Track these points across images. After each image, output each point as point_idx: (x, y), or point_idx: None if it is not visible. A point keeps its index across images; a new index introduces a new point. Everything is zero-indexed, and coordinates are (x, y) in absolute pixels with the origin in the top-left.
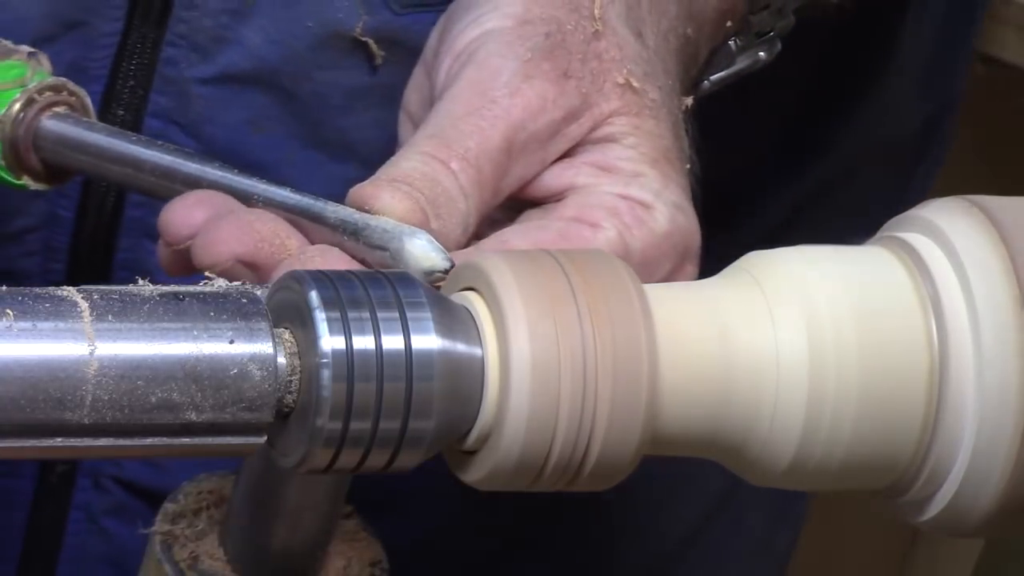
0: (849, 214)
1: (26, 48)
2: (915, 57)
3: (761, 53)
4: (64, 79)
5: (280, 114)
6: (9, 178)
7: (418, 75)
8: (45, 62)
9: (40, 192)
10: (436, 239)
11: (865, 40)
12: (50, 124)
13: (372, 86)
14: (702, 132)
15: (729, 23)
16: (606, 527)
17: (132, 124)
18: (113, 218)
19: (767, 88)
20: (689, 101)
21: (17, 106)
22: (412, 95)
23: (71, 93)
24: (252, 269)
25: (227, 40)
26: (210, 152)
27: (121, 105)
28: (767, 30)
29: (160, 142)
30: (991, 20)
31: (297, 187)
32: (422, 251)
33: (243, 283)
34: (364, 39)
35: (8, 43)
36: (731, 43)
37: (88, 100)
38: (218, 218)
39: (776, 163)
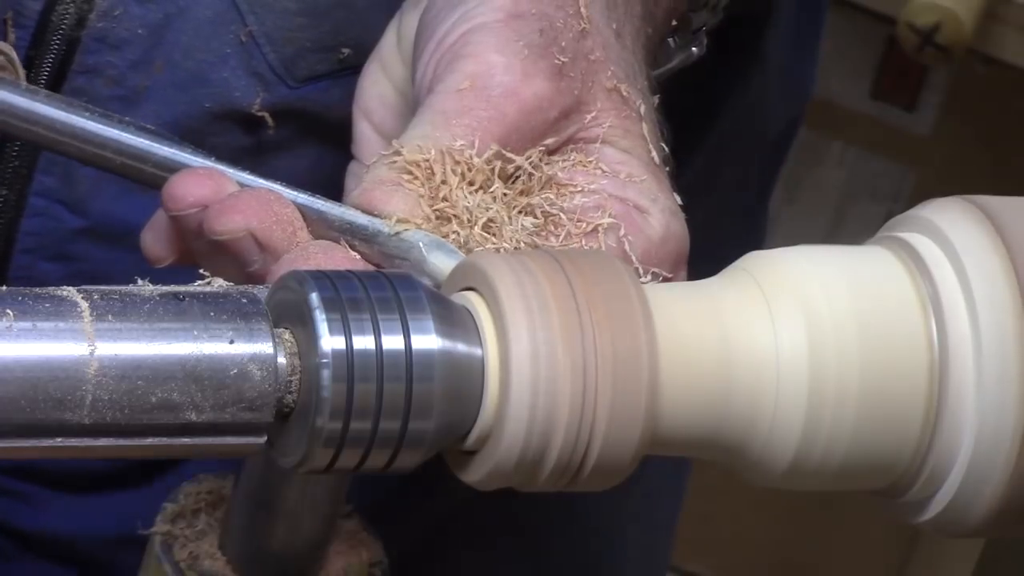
0: (711, 225)
1: None
2: (776, 57)
3: (694, 49)
4: None
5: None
6: None
7: (373, 73)
8: None
9: None
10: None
11: (730, 40)
12: None
13: (262, 143)
14: None
15: (674, 22)
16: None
17: (15, 203)
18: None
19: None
20: (656, 100)
21: None
22: (369, 91)
23: None
24: (260, 247)
25: None
26: (94, 225)
27: (4, 184)
28: (700, 26)
29: (120, 117)
30: (991, 20)
31: None
32: (445, 262)
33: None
34: (260, 114)
35: None
36: (670, 41)
37: (13, 53)
38: (235, 191)
39: None
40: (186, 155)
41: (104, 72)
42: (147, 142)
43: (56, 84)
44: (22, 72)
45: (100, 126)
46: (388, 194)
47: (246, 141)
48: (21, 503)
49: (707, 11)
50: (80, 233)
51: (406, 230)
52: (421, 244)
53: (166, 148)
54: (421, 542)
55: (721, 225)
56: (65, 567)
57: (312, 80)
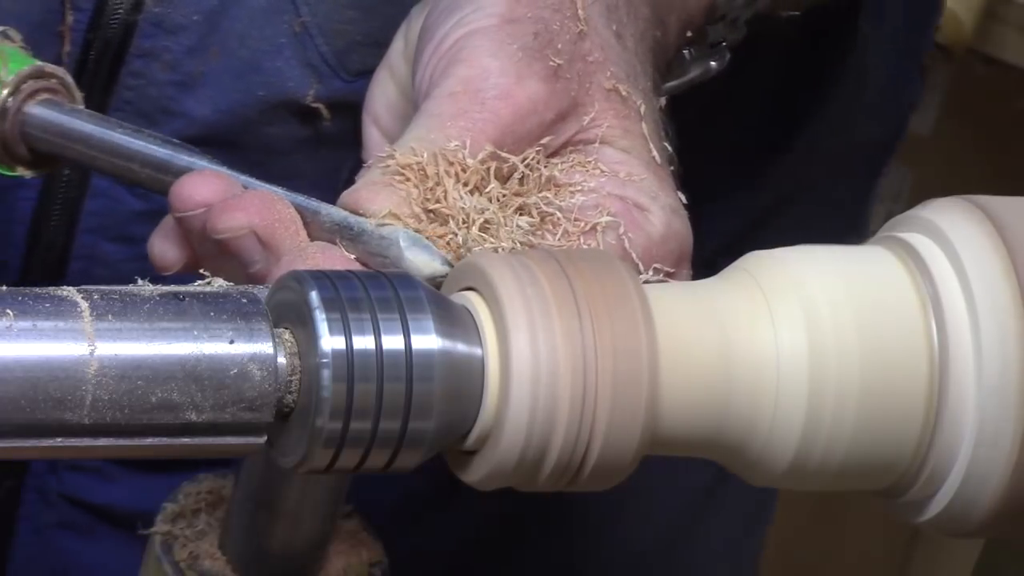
0: (809, 225)
1: None
2: (876, 66)
3: (712, 63)
4: (41, 63)
5: (223, 163)
6: (4, 171)
7: (382, 79)
8: (15, 36)
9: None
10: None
11: (823, 51)
12: (37, 112)
13: (318, 136)
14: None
15: (689, 33)
16: (585, 526)
17: (78, 184)
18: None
19: (727, 100)
20: (663, 102)
21: None
22: (377, 97)
23: (51, 75)
24: (263, 245)
25: (172, 112)
26: (155, 207)
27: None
28: (719, 41)
29: (150, 132)
30: (991, 20)
31: None
32: (422, 259)
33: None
34: (315, 105)
35: None
36: (685, 53)
37: (69, 78)
38: (238, 193)
39: (733, 177)
40: (203, 163)
41: (161, 56)
42: (170, 152)
43: (114, 67)
44: (79, 95)
45: (128, 139)
46: (374, 192)
47: (303, 133)
48: (95, 478)
49: (724, 26)
50: (141, 215)
51: (388, 225)
52: (400, 240)
53: (185, 158)
54: (476, 541)
55: (821, 225)
56: (138, 541)
57: (365, 74)
